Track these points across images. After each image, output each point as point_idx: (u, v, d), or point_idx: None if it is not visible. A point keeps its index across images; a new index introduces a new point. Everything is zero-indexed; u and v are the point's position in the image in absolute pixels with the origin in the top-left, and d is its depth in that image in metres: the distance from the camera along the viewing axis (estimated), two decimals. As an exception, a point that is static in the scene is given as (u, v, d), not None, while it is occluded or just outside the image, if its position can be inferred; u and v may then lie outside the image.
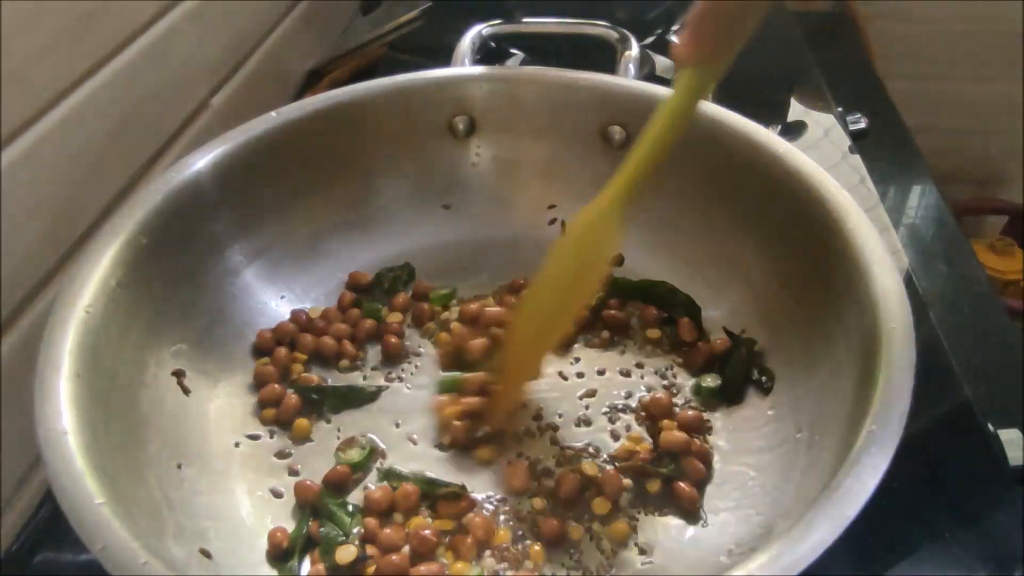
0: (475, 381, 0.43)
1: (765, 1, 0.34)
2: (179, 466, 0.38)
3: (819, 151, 0.66)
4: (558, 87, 0.52)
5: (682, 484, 0.39)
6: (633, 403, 0.44)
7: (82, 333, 0.35)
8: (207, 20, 0.62)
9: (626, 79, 0.52)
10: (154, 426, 0.38)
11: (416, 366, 0.46)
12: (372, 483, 0.40)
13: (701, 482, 0.39)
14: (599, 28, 0.58)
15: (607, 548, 0.37)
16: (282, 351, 0.45)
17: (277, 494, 0.40)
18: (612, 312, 0.48)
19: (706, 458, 0.40)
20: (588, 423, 0.43)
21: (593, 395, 0.44)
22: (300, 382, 0.44)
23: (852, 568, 0.38)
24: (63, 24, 0.47)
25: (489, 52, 0.72)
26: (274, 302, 0.48)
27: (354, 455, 0.41)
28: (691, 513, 0.38)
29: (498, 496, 0.39)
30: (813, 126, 0.69)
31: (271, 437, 0.43)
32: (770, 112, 0.72)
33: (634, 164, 0.38)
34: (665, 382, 0.45)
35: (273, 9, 0.75)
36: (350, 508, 0.39)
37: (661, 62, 0.76)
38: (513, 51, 0.75)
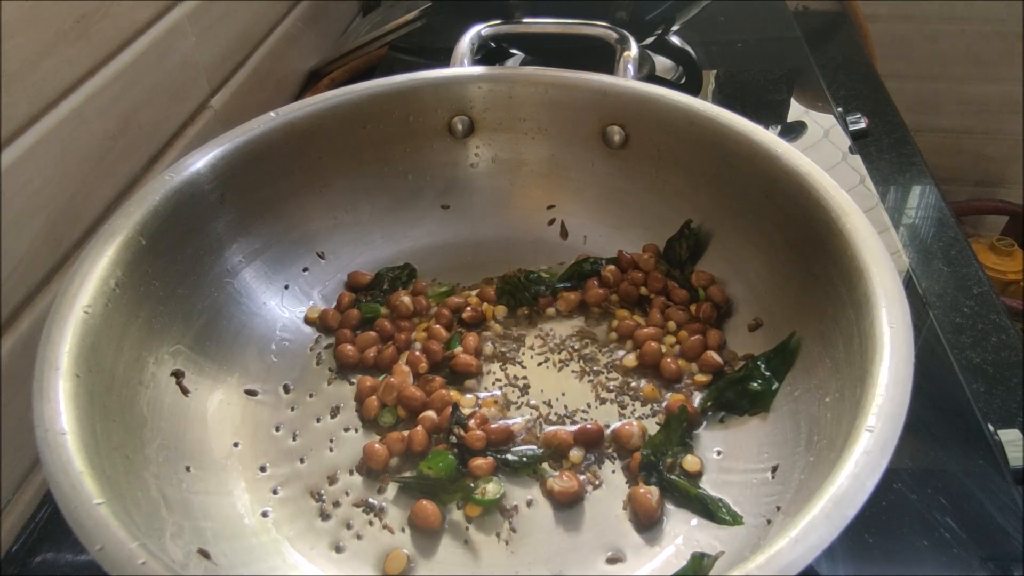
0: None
1: None
2: (178, 466, 0.38)
3: (819, 151, 0.66)
4: (557, 87, 0.52)
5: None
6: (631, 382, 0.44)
7: (81, 333, 0.35)
8: (207, 20, 0.62)
9: (625, 79, 0.52)
10: (153, 426, 0.38)
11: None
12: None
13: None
14: (598, 28, 0.58)
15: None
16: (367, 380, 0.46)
17: (276, 493, 0.40)
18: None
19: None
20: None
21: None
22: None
23: (852, 568, 0.38)
24: (63, 25, 0.47)
25: (489, 52, 0.72)
26: (273, 302, 0.48)
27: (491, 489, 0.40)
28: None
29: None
30: (813, 126, 0.70)
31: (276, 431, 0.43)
32: (770, 112, 0.72)
33: None
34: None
35: (273, 9, 0.75)
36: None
37: (661, 62, 0.76)
38: (513, 51, 0.75)
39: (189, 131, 0.60)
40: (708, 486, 0.39)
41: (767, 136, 0.45)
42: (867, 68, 0.88)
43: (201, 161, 0.45)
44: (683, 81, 0.74)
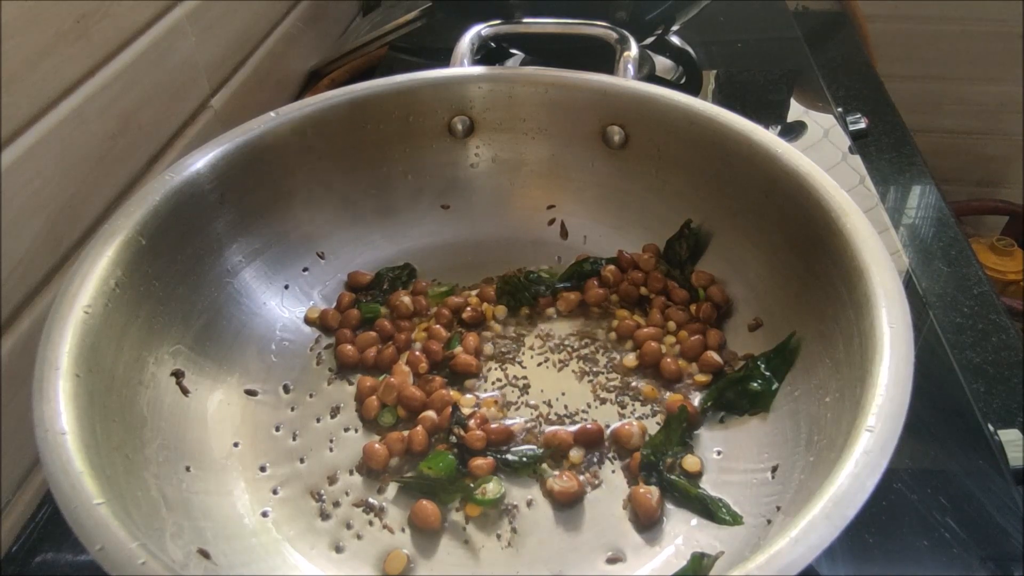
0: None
1: None
2: (178, 466, 0.38)
3: (819, 151, 0.66)
4: (557, 87, 0.52)
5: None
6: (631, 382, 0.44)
7: (81, 333, 0.35)
8: (207, 20, 0.62)
9: (625, 79, 0.52)
10: (153, 426, 0.38)
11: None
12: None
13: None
14: (598, 28, 0.58)
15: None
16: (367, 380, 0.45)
17: (276, 493, 0.40)
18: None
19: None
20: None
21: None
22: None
23: (852, 568, 0.38)
24: (63, 25, 0.47)
25: (489, 52, 0.72)
26: (273, 302, 0.48)
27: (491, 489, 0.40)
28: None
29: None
30: (813, 126, 0.70)
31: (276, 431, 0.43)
32: (770, 112, 0.72)
33: None
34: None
35: (273, 9, 0.75)
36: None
37: (661, 62, 0.76)
38: (513, 51, 0.75)
39: (189, 131, 0.60)
40: (708, 486, 0.39)
41: (767, 136, 0.45)
42: (867, 68, 0.88)
43: (201, 161, 0.45)
44: (683, 81, 0.74)
